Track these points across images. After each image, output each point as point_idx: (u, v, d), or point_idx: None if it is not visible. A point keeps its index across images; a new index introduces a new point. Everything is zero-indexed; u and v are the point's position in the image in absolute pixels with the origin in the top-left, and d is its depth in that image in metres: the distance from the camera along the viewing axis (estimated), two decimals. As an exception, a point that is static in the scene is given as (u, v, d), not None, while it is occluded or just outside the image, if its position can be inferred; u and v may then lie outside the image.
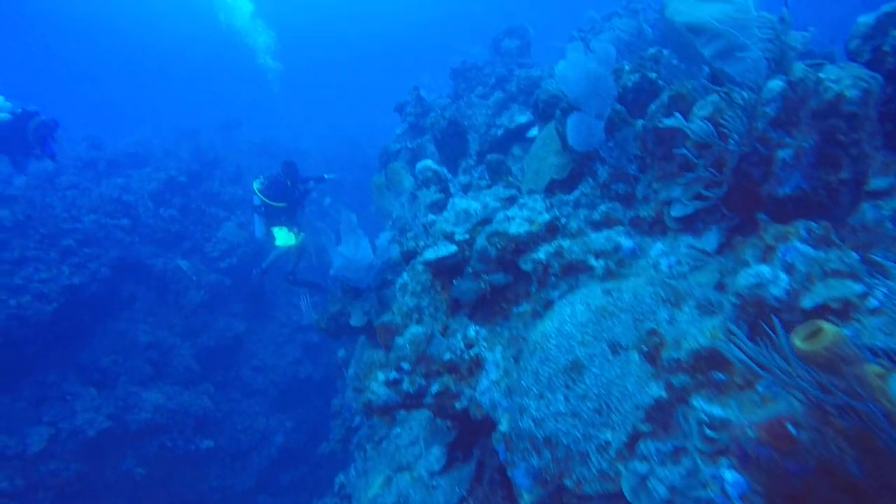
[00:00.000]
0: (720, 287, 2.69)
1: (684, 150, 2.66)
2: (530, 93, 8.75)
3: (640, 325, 2.24)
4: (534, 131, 6.41)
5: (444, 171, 5.60)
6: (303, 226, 9.55)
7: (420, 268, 3.71)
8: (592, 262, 3.25)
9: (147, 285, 10.75)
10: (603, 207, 4.00)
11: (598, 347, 2.24)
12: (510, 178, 5.37)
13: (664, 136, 3.29)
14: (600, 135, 3.70)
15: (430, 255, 3.41)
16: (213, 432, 10.34)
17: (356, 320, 6.36)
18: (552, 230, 3.50)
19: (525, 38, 12.67)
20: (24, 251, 8.61)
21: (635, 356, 2.17)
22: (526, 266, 3.31)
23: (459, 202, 3.75)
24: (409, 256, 4.18)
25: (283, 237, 9.13)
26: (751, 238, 2.50)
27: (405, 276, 3.90)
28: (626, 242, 3.35)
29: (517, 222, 3.47)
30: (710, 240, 3.16)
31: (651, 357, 2.11)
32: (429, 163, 5.46)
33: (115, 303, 10.09)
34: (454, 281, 3.45)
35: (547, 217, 3.50)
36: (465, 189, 6.51)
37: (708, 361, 1.93)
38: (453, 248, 3.42)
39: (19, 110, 7.97)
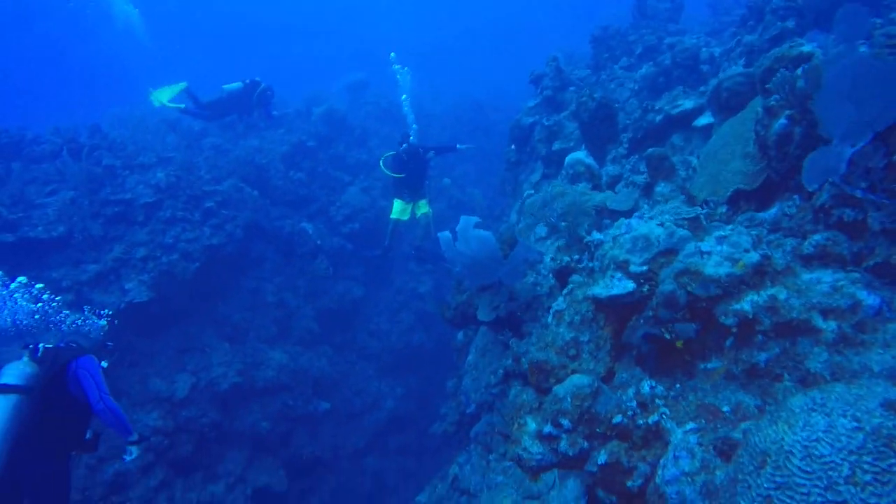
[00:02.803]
0: None
1: None
2: (689, 67, 7.56)
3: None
4: (703, 120, 5.45)
5: (596, 165, 4.90)
6: (429, 196, 9.31)
7: (580, 295, 3.18)
8: (819, 322, 2.51)
9: (275, 246, 11.21)
10: (818, 237, 3.15)
11: (885, 497, 1.60)
12: (678, 180, 4.58)
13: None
14: (841, 166, 2.81)
15: (600, 291, 2.86)
16: (330, 392, 10.75)
17: (484, 315, 6.00)
18: (760, 273, 2.77)
19: (676, -1, 11.13)
20: (175, 211, 9.21)
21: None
22: (727, 320, 2.65)
23: (638, 225, 3.10)
24: (564, 273, 3.65)
25: (397, 210, 9.05)
26: None
27: (560, 302, 3.38)
28: (869, 299, 2.56)
29: (715, 260, 2.78)
30: None
31: None
32: (581, 155, 4.79)
33: (247, 262, 10.63)
34: (629, 324, 2.88)
35: (756, 257, 2.77)
36: (614, 182, 5.75)
37: None
38: (630, 286, 2.83)
39: (248, 80, 10.24)
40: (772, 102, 3.54)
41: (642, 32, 9.67)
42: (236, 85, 10.23)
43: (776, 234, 3.47)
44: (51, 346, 3.61)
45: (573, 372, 3.01)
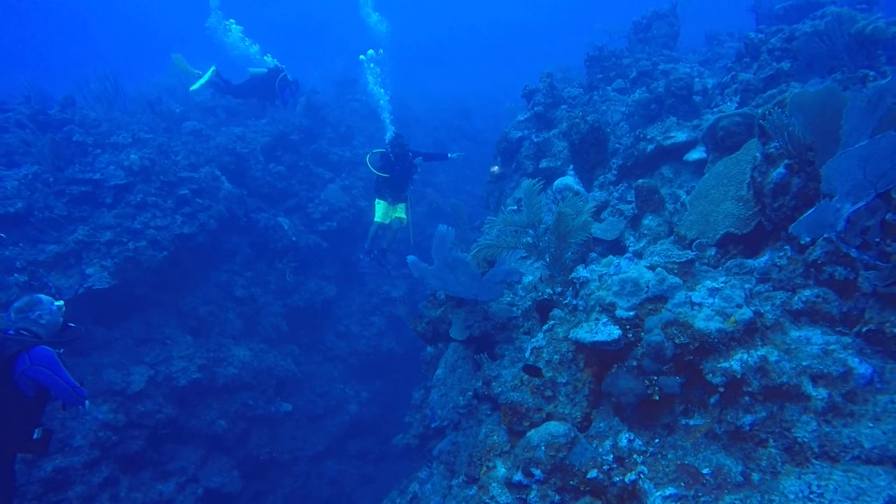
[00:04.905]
0: None
1: None
2: (682, 97, 7.51)
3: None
4: (694, 154, 5.39)
5: (584, 192, 4.77)
6: (409, 201, 9.07)
7: (560, 334, 3.03)
8: (809, 388, 2.41)
9: (248, 239, 10.88)
10: (808, 293, 3.06)
11: None
12: (666, 214, 4.48)
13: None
14: (840, 223, 2.73)
15: (584, 335, 2.71)
16: (293, 393, 10.47)
17: (457, 333, 5.82)
18: (751, 331, 2.66)
19: (674, 25, 11.23)
20: (146, 196, 8.81)
21: None
22: (715, 379, 2.53)
23: (627, 267, 2.97)
24: (545, 307, 3.50)
25: (380, 213, 8.80)
26: None
27: (540, 339, 3.23)
28: (861, 367, 2.47)
29: (706, 313, 2.67)
30: None
31: None
32: (570, 181, 4.66)
33: (218, 254, 10.27)
34: (611, 371, 2.74)
35: (748, 314, 2.66)
36: (601, 208, 5.65)
37: None
38: (616, 333, 2.69)
39: (272, 66, 10.27)
40: (771, 149, 3.45)
41: (638, 56, 9.66)
42: (261, 69, 10.23)
43: (765, 284, 3.38)
44: None
45: (548, 415, 2.86)
